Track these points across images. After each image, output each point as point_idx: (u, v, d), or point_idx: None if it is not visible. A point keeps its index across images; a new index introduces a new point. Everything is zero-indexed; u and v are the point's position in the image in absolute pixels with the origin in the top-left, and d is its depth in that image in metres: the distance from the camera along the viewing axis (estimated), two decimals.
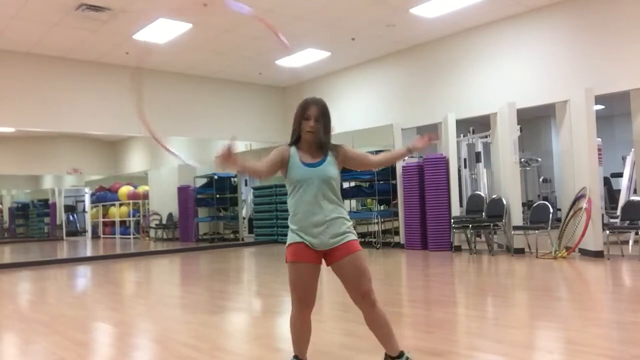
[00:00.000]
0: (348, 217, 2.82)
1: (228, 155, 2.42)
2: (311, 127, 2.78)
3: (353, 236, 2.78)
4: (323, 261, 2.80)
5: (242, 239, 14.15)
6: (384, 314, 2.78)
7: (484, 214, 9.00)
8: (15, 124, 10.79)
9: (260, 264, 9.37)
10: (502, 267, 7.28)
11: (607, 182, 10.43)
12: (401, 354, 2.80)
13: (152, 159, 17.68)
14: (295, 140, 2.83)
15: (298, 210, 2.75)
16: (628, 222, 7.78)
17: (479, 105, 9.46)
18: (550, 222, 8.17)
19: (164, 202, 16.02)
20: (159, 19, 8.69)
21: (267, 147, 13.82)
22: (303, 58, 11.06)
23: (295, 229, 2.76)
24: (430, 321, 4.09)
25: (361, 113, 11.51)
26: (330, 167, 2.80)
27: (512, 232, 8.42)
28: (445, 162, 9.42)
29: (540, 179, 15.64)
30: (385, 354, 2.84)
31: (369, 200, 12.49)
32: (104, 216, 19.34)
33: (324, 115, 2.83)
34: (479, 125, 10.65)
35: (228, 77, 12.33)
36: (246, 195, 15.56)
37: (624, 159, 10.23)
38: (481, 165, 10.74)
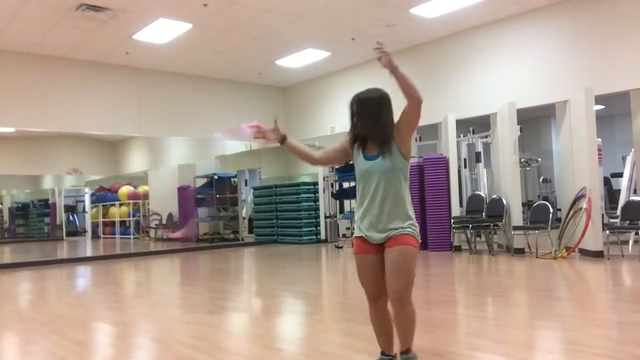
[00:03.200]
0: (410, 213, 2.73)
1: (273, 131, 2.79)
2: (354, 122, 2.75)
3: (410, 231, 2.69)
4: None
5: (242, 239, 14.14)
6: (410, 316, 2.73)
7: (484, 214, 9.00)
8: (16, 124, 10.79)
9: (260, 264, 9.36)
10: (502, 267, 7.28)
11: (607, 182, 10.43)
12: (407, 350, 2.77)
13: (152, 159, 17.69)
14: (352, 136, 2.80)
15: (360, 204, 2.78)
16: (628, 222, 7.78)
17: (479, 105, 9.46)
18: (550, 222, 8.17)
19: (164, 202, 16.02)
20: (159, 19, 8.69)
21: (267, 147, 13.83)
22: (303, 58, 11.06)
23: (357, 222, 2.80)
24: (430, 321, 4.09)
25: None
26: (391, 158, 2.69)
27: (512, 232, 8.42)
28: (445, 162, 9.42)
29: (540, 179, 15.63)
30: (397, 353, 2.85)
31: None
32: (104, 216, 19.33)
33: (365, 109, 2.71)
34: (479, 125, 10.65)
35: (228, 77, 12.33)
36: (246, 195, 15.56)
37: (624, 159, 10.23)
38: (481, 165, 10.74)
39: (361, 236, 2.76)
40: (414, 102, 2.64)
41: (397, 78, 2.58)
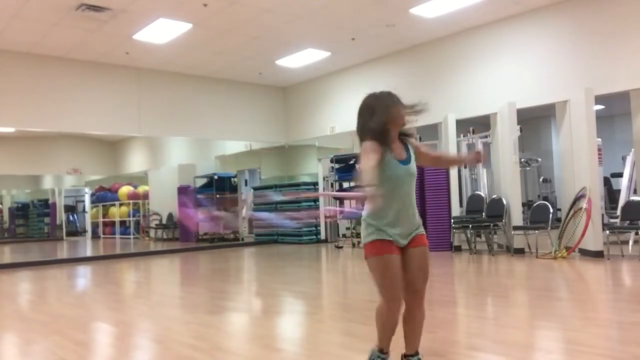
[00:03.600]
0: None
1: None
2: (406, 114, 2.77)
3: (423, 230, 2.83)
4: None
5: (242, 239, 14.14)
6: (424, 315, 2.81)
7: (484, 214, 9.00)
8: (16, 124, 10.79)
9: (260, 264, 9.36)
10: (502, 267, 7.28)
11: (607, 182, 10.43)
12: (416, 352, 2.81)
13: (152, 159, 17.69)
14: (380, 136, 2.69)
15: (387, 207, 2.69)
16: (628, 222, 7.77)
17: (479, 105, 9.46)
18: (550, 222, 8.16)
19: (164, 202, 16.02)
20: (159, 19, 8.69)
21: (267, 147, 13.84)
22: (303, 58, 11.05)
23: (382, 225, 2.69)
24: (431, 321, 4.08)
25: None
26: (415, 164, 2.82)
27: (512, 232, 8.42)
28: None
29: (540, 179, 15.63)
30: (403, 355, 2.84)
31: None
32: (104, 216, 19.33)
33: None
34: (479, 125, 10.63)
35: (228, 77, 12.33)
36: (246, 195, 15.56)
37: (624, 159, 10.22)
38: (481, 165, 10.73)
39: (387, 239, 2.68)
40: (443, 167, 2.88)
41: (468, 163, 2.75)
